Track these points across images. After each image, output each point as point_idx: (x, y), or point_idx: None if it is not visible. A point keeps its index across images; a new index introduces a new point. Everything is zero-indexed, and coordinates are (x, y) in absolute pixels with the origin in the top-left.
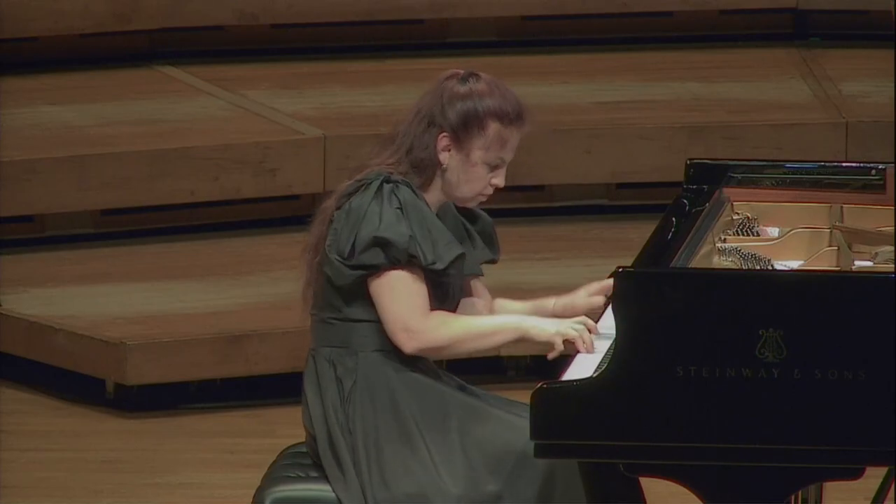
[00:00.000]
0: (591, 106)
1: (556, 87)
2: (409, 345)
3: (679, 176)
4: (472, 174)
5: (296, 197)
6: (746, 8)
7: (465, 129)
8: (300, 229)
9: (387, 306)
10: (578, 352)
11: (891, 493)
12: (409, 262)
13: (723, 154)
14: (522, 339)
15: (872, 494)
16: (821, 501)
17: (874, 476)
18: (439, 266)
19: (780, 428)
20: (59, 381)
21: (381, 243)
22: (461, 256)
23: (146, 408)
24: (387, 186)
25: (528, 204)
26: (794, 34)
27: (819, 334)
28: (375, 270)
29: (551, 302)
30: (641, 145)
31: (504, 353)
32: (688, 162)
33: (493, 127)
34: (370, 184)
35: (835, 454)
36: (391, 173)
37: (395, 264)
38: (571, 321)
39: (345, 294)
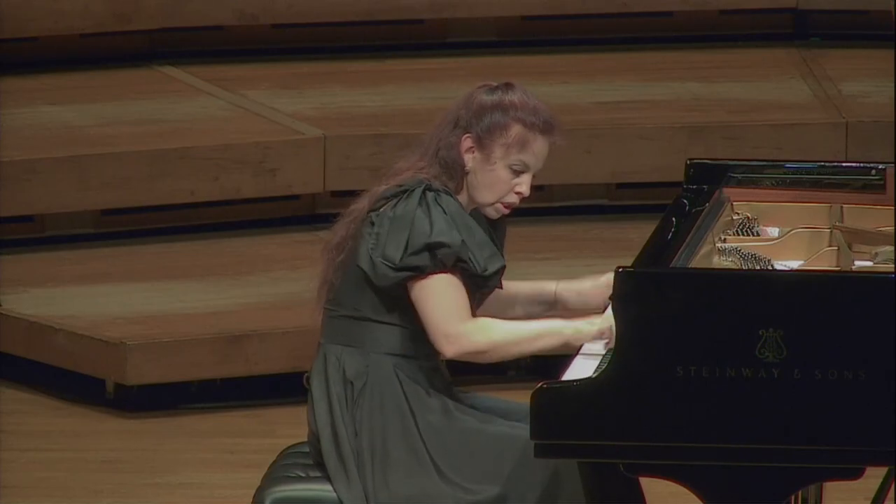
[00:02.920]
0: (591, 106)
1: (556, 87)
2: (450, 349)
3: (679, 176)
4: (493, 176)
5: (296, 197)
6: (746, 8)
7: (488, 130)
8: (300, 229)
9: (430, 310)
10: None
11: (891, 493)
12: (454, 266)
13: (723, 154)
14: (565, 346)
15: (872, 494)
16: (821, 501)
17: (874, 476)
18: (487, 273)
19: (780, 428)
20: (59, 381)
21: (432, 247)
22: (502, 269)
23: (146, 408)
24: (430, 194)
25: (528, 204)
26: (794, 34)
27: (819, 334)
28: (420, 273)
29: (553, 285)
30: (641, 145)
31: None
32: (688, 162)
33: (515, 128)
34: (412, 191)
35: (835, 454)
36: (430, 180)
37: (440, 268)
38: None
39: (372, 294)
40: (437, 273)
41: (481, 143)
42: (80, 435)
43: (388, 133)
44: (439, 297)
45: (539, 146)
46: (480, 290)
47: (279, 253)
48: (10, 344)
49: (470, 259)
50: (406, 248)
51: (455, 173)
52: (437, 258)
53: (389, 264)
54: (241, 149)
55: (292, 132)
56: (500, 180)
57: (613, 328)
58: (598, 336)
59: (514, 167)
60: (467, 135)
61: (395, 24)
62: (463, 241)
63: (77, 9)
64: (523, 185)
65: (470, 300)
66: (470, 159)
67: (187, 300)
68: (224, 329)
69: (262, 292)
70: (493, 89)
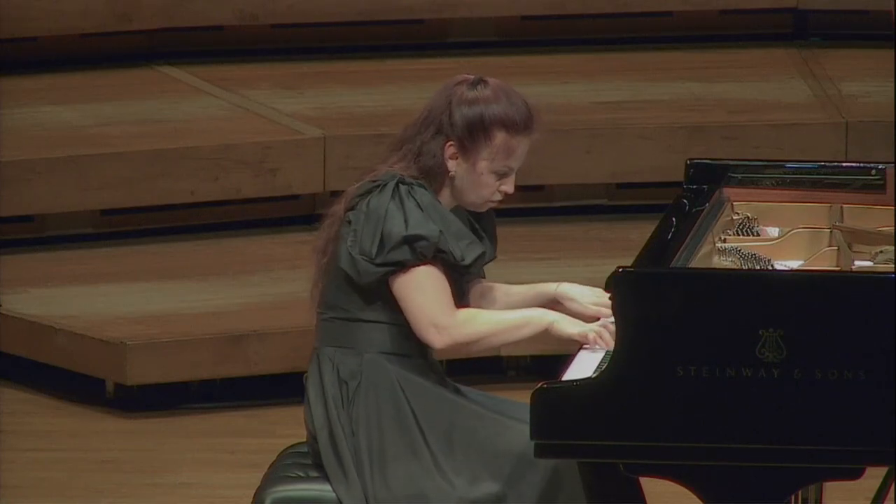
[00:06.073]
0: (591, 106)
1: (556, 87)
2: (439, 341)
3: (679, 176)
4: (479, 182)
5: (296, 197)
6: (746, 8)
7: (470, 138)
8: (300, 229)
9: (414, 303)
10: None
11: (891, 493)
12: (434, 258)
13: (723, 154)
14: (547, 333)
15: (872, 494)
16: (821, 501)
17: (874, 476)
18: (466, 262)
19: (779, 428)
20: (59, 381)
21: (410, 240)
22: (482, 255)
23: (146, 408)
24: (403, 187)
25: (528, 204)
26: (794, 34)
27: (819, 334)
28: (401, 267)
29: (553, 287)
30: (641, 145)
31: (504, 352)
32: (688, 162)
33: (499, 136)
34: (385, 185)
35: (835, 454)
36: (403, 174)
37: (421, 261)
38: (594, 324)
39: (358, 293)
40: (418, 266)
41: (465, 152)
42: (80, 435)
43: (388, 133)
44: (424, 290)
45: (523, 147)
46: (462, 278)
47: (279, 253)
48: (10, 344)
49: (449, 249)
50: (382, 242)
51: (436, 178)
52: (417, 251)
53: (368, 259)
54: (242, 149)
55: (292, 132)
56: (486, 184)
57: (596, 333)
58: (580, 336)
59: (499, 171)
60: (449, 143)
61: (395, 24)
62: (441, 231)
63: (77, 9)
64: (508, 184)
65: (452, 289)
66: (454, 165)
67: (187, 300)
68: (224, 329)
69: (262, 292)
70: (470, 86)
